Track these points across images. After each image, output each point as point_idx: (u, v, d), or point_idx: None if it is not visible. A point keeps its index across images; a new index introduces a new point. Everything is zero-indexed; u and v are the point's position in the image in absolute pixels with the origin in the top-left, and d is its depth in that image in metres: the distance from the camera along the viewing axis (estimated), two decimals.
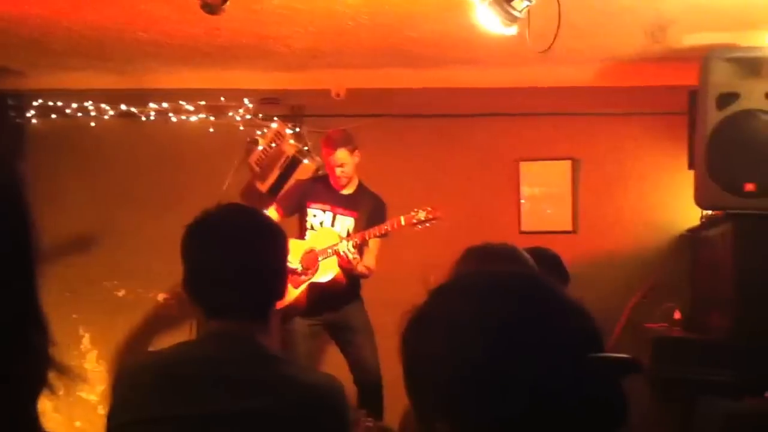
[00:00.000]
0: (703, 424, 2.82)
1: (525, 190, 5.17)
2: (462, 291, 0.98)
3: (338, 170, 4.27)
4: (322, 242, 4.23)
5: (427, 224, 4.03)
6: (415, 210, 4.03)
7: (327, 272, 4.18)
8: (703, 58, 3.93)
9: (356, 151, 4.30)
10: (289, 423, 1.56)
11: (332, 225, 4.33)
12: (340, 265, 4.13)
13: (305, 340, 4.30)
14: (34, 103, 5.14)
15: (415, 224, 4.03)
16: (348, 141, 4.28)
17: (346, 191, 4.36)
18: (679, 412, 3.73)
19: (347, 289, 4.25)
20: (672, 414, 4.00)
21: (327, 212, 4.35)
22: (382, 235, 4.16)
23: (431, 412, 0.91)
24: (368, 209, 4.30)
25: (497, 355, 0.88)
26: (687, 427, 3.07)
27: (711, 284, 4.25)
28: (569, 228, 5.13)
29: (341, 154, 4.24)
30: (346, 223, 4.33)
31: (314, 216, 4.36)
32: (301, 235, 4.34)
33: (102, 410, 5.09)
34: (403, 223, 4.04)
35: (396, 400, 1.12)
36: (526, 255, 2.09)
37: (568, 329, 0.91)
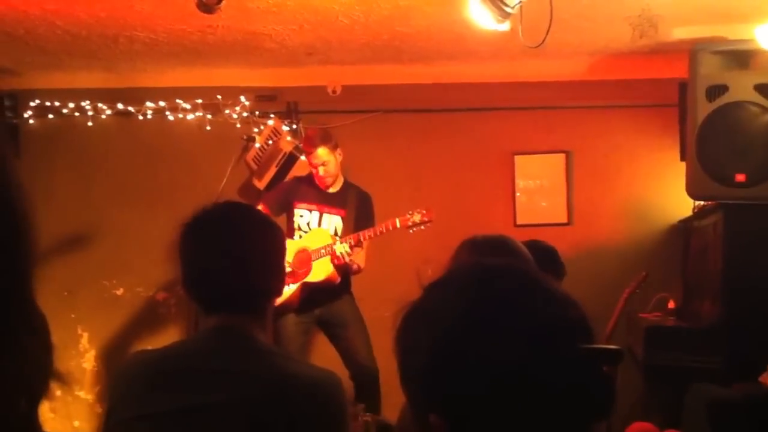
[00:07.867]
0: (691, 410, 2.87)
1: (520, 183, 5.20)
2: (447, 284, 1.00)
3: (321, 169, 4.23)
4: (315, 242, 4.23)
5: (422, 227, 4.04)
6: (410, 212, 4.04)
7: (320, 272, 4.19)
8: (692, 50, 3.96)
9: (338, 149, 4.26)
10: (287, 416, 1.57)
11: (319, 224, 4.32)
12: (335, 265, 4.14)
13: (298, 337, 4.31)
14: (31, 103, 5.12)
15: (409, 227, 4.05)
16: (327, 139, 4.24)
17: (332, 189, 4.34)
18: (670, 399, 3.77)
19: (338, 286, 4.26)
20: (664, 401, 4.05)
21: (314, 212, 4.33)
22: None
23: (424, 405, 0.94)
24: (355, 206, 4.29)
25: (473, 340, 0.90)
26: (677, 414, 3.11)
27: (702, 273, 4.29)
28: (564, 220, 5.17)
29: (322, 152, 4.20)
30: (333, 221, 4.32)
31: (301, 216, 4.34)
32: (289, 235, 4.31)
33: (100, 409, 5.11)
34: (398, 225, 4.05)
35: (395, 396, 1.15)
36: (519, 245, 2.09)
37: (550, 318, 0.92)
